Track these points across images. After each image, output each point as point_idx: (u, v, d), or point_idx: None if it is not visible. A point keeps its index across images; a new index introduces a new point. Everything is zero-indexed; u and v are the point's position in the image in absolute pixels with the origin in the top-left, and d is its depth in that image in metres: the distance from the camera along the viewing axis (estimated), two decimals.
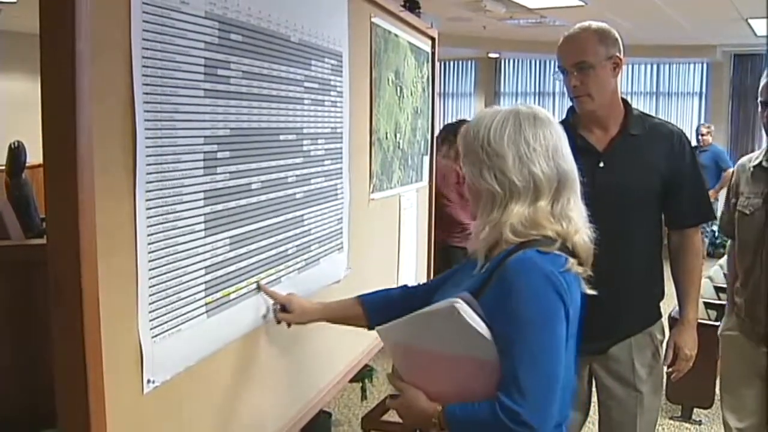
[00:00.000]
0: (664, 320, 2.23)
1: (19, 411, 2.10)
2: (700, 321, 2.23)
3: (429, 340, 1.33)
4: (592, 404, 2.25)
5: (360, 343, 2.36)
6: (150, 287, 1.22)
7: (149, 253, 1.22)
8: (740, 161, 2.45)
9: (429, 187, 3.12)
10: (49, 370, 1.09)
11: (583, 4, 6.35)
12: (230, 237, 1.47)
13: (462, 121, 6.42)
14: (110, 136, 1.12)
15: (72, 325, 1.06)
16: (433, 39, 3.06)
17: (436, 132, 3.30)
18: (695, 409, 3.81)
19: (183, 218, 1.30)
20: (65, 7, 1.01)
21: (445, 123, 4.85)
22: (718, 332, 2.45)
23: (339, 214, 2.05)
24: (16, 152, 4.85)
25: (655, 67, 10.82)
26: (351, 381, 2.57)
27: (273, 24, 1.61)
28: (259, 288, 1.62)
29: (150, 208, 1.21)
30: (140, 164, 1.18)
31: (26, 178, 4.88)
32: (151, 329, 1.23)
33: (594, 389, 2.22)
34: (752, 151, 2.62)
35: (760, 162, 2.30)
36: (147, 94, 1.19)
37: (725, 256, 3.21)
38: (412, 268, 2.90)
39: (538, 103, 11.28)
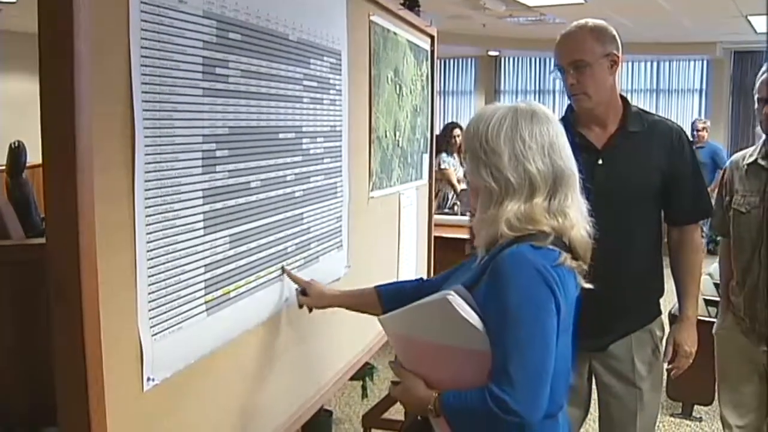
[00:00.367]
0: (664, 317, 2.23)
1: (21, 408, 2.11)
2: (699, 318, 2.23)
3: (425, 330, 1.40)
4: (593, 401, 2.25)
5: (360, 342, 2.36)
6: (149, 285, 1.23)
7: (148, 251, 1.22)
8: (733, 158, 2.44)
9: (429, 185, 3.12)
10: (50, 368, 1.09)
11: (582, 1, 6.35)
12: (229, 235, 1.47)
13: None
14: (109, 135, 1.12)
15: (72, 323, 1.06)
16: (432, 37, 3.06)
17: (436, 130, 3.30)
18: (695, 406, 3.81)
19: (182, 217, 1.31)
20: (64, 6, 1.01)
21: (445, 122, 4.86)
22: (713, 331, 2.45)
23: (338, 212, 2.05)
24: (17, 152, 4.86)
25: (655, 64, 10.83)
26: (351, 379, 2.58)
27: (271, 22, 1.61)
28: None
29: (149, 207, 1.21)
30: (139, 163, 1.18)
31: (26, 178, 4.89)
32: (151, 327, 1.24)
33: (594, 386, 2.22)
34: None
35: (755, 159, 2.29)
36: (146, 93, 1.19)
37: None
38: (412, 266, 2.90)
39: (538, 101, 11.24)
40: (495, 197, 1.38)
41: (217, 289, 1.44)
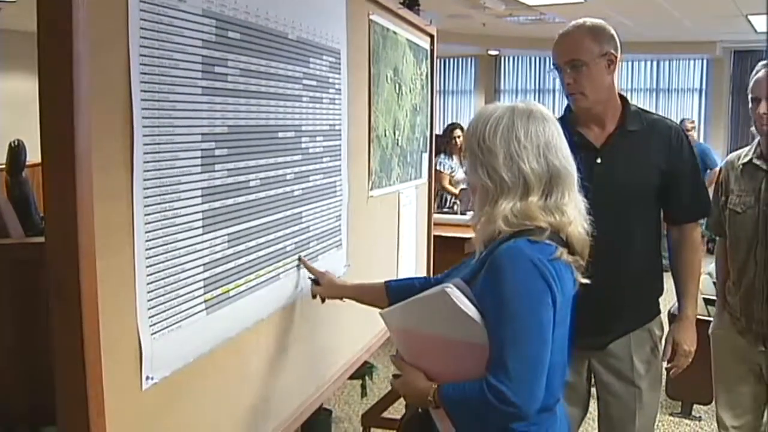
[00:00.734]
0: (663, 316, 2.23)
1: (21, 407, 2.11)
2: (699, 317, 2.23)
3: (425, 324, 1.44)
4: (592, 400, 2.26)
5: (360, 340, 2.36)
6: (149, 284, 1.23)
7: (147, 250, 1.22)
8: (728, 158, 2.44)
9: (428, 184, 3.13)
10: (49, 367, 1.10)
11: (582, 0, 6.34)
12: (228, 234, 1.47)
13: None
14: (108, 134, 1.12)
15: (71, 322, 1.06)
16: (432, 36, 3.06)
17: (436, 130, 3.29)
18: (695, 406, 3.81)
19: (181, 215, 1.31)
20: (63, 5, 1.01)
21: (445, 121, 4.86)
22: (709, 331, 2.44)
23: (338, 211, 2.06)
24: (16, 151, 4.85)
25: (655, 63, 10.83)
26: (351, 378, 2.58)
27: (271, 21, 1.61)
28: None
29: (148, 206, 1.21)
30: (138, 162, 1.18)
31: (26, 177, 4.89)
32: (150, 326, 1.24)
33: (593, 385, 2.22)
34: None
35: (751, 159, 2.29)
36: (145, 92, 1.19)
37: None
38: (412, 265, 2.90)
39: (538, 100, 11.24)
40: (491, 195, 1.41)
41: (216, 288, 1.44)
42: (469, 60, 12.07)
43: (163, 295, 1.27)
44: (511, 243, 1.36)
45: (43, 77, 1.04)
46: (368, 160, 2.33)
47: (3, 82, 8.13)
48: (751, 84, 2.23)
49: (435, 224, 3.34)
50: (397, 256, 2.71)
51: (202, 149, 1.36)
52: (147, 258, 1.22)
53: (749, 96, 2.24)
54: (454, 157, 6.24)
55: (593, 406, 2.24)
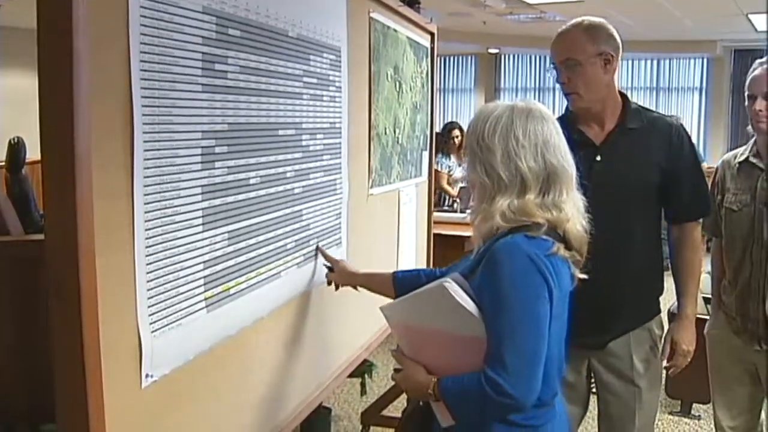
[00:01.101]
0: (663, 315, 2.23)
1: (21, 406, 2.11)
2: (698, 316, 2.23)
3: (424, 318, 1.47)
4: (592, 399, 2.25)
5: (359, 339, 2.36)
6: (148, 282, 1.22)
7: (147, 248, 1.22)
8: (724, 157, 2.43)
9: (428, 182, 3.12)
10: (49, 365, 1.09)
11: None
12: (228, 232, 1.47)
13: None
14: (108, 131, 1.12)
15: (71, 320, 1.06)
16: (432, 34, 3.05)
17: (436, 128, 3.29)
18: (694, 404, 3.81)
19: (181, 213, 1.30)
20: (63, 2, 1.01)
21: (445, 119, 4.85)
22: (705, 331, 2.43)
23: (338, 209, 2.05)
24: (16, 148, 4.85)
25: (655, 62, 10.82)
26: (350, 376, 2.57)
27: (271, 19, 1.61)
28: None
29: (148, 203, 1.21)
30: (138, 159, 1.18)
31: (26, 174, 4.88)
32: (150, 324, 1.23)
33: (593, 384, 2.22)
34: None
35: (747, 157, 2.29)
36: (145, 89, 1.19)
37: None
38: (412, 263, 2.90)
39: (538, 99, 11.26)
40: (488, 192, 1.44)
41: (216, 286, 1.44)
42: (469, 58, 12.06)
43: (163, 292, 1.27)
44: (508, 238, 1.39)
45: (43, 75, 1.04)
46: (368, 158, 2.32)
47: (2, 79, 8.12)
48: (748, 81, 2.23)
49: (435, 222, 3.34)
50: (397, 254, 2.71)
51: (202, 146, 1.36)
52: (147, 256, 1.22)
53: (746, 93, 2.24)
54: (452, 156, 6.23)
55: (593, 404, 2.24)
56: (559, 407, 1.53)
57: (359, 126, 2.22)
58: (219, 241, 1.44)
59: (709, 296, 3.59)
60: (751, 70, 2.24)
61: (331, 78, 1.96)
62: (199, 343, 1.40)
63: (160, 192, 1.24)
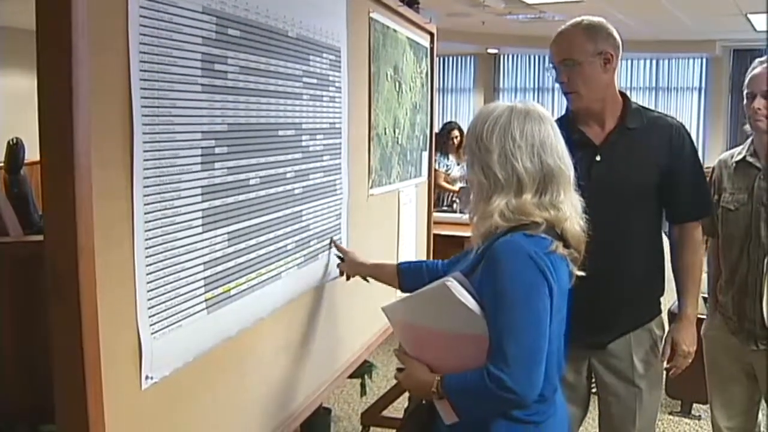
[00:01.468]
0: (664, 315, 2.22)
1: (20, 407, 2.10)
2: (699, 316, 2.22)
3: (426, 317, 1.49)
4: (592, 400, 2.25)
5: (359, 339, 2.36)
6: (148, 283, 1.22)
7: (147, 248, 1.21)
8: (721, 157, 2.43)
9: (428, 182, 3.12)
10: (49, 366, 1.09)
11: None
12: (229, 233, 1.47)
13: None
14: (107, 132, 1.12)
15: (70, 321, 1.06)
16: (431, 34, 3.05)
17: (435, 128, 3.29)
18: (695, 404, 3.81)
19: (180, 214, 1.30)
20: (62, 2, 1.01)
21: (444, 119, 4.85)
22: (701, 332, 2.43)
23: (338, 209, 2.05)
24: (15, 149, 4.84)
25: (654, 62, 10.84)
26: (350, 377, 2.57)
27: (271, 19, 1.61)
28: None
29: (147, 204, 1.21)
30: (137, 160, 1.18)
31: (25, 175, 4.87)
32: (150, 325, 1.23)
33: (593, 385, 2.22)
34: None
35: (744, 157, 2.28)
36: (144, 89, 1.18)
37: None
38: None
39: (537, 99, 11.30)
40: (485, 192, 1.47)
41: (217, 287, 1.44)
42: (468, 58, 12.07)
43: (163, 294, 1.26)
44: (508, 237, 1.41)
45: (42, 75, 1.04)
46: (368, 158, 2.32)
47: (2, 80, 8.11)
48: (747, 79, 2.23)
49: (434, 223, 3.34)
50: (397, 254, 2.70)
51: (201, 147, 1.35)
52: (147, 257, 1.21)
53: (744, 92, 2.24)
54: (451, 156, 6.23)
55: (593, 405, 2.24)
56: (560, 402, 1.55)
57: (359, 126, 2.22)
58: (219, 242, 1.43)
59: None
60: (751, 68, 2.23)
61: (330, 78, 1.95)
62: (200, 344, 1.39)
63: (159, 192, 1.24)
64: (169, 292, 1.28)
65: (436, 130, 3.43)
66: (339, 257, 2.01)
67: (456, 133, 6.27)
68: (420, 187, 2.99)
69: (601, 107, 2.06)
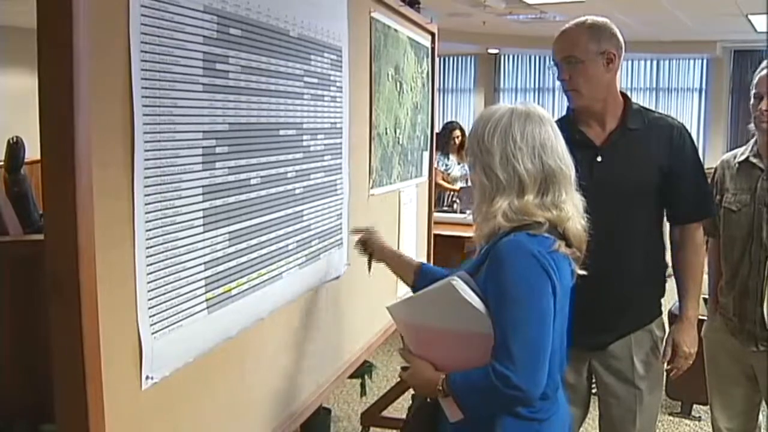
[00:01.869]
0: (664, 316, 2.22)
1: (20, 406, 2.10)
2: (700, 317, 2.22)
3: (431, 316, 1.50)
4: (592, 400, 2.25)
5: (359, 340, 2.36)
6: (149, 283, 1.22)
7: (148, 248, 1.21)
8: (724, 157, 2.42)
9: (429, 182, 3.12)
10: (49, 366, 1.09)
11: None
12: (229, 232, 1.46)
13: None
14: (108, 131, 1.11)
15: (70, 320, 1.05)
16: (432, 34, 3.05)
17: (436, 128, 3.29)
18: (695, 405, 3.80)
19: (181, 213, 1.30)
20: (63, 1, 1.00)
21: (444, 119, 4.84)
22: (702, 334, 2.42)
23: (339, 209, 2.05)
24: (15, 148, 4.83)
25: (655, 62, 10.83)
26: (350, 377, 2.57)
27: (272, 18, 1.60)
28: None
29: (148, 204, 1.21)
30: (138, 159, 1.17)
31: (25, 174, 4.86)
32: (150, 325, 1.23)
33: (594, 386, 2.22)
34: None
35: (747, 157, 2.28)
36: (145, 89, 1.18)
37: None
38: None
39: (538, 99, 11.29)
40: (487, 194, 1.49)
41: (217, 287, 1.43)
42: (469, 58, 12.06)
43: (163, 294, 1.26)
44: (511, 237, 1.43)
45: (42, 74, 1.03)
46: (369, 158, 2.32)
47: (2, 79, 8.11)
48: (755, 80, 2.22)
49: (435, 223, 3.33)
50: None
51: (202, 147, 1.35)
52: (147, 256, 1.21)
53: (752, 92, 2.23)
54: (451, 155, 6.23)
55: (593, 406, 2.24)
56: (562, 400, 1.57)
57: (360, 126, 2.22)
58: (220, 242, 1.43)
59: None
60: (759, 69, 2.22)
61: (332, 78, 1.95)
62: (200, 344, 1.39)
63: (160, 192, 1.24)
64: (169, 291, 1.28)
65: (436, 130, 3.42)
66: (362, 242, 1.96)
67: (457, 132, 6.26)
68: (421, 187, 2.99)
69: (602, 107, 2.06)
